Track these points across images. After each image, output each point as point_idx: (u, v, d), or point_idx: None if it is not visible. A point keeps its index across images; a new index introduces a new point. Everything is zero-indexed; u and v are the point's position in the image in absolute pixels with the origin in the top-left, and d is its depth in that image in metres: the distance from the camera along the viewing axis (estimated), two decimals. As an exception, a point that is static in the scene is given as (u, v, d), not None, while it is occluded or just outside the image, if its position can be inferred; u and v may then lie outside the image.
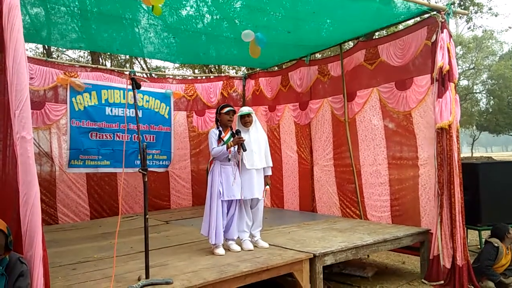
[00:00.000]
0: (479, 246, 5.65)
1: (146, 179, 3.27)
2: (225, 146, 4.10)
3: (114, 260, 3.31)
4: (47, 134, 6.36)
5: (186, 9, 4.78)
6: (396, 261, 5.70)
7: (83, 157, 6.53)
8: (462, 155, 4.74)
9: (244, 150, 4.12)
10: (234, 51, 6.18)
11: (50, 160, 6.38)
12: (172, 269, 3.49)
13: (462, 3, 14.16)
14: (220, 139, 4.18)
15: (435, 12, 4.67)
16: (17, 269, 2.46)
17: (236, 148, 4.16)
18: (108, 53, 14.74)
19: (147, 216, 3.27)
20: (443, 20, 4.59)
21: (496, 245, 4.48)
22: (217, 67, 15.29)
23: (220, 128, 4.24)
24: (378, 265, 5.48)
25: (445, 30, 4.57)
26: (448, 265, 4.47)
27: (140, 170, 3.24)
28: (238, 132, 4.18)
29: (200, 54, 6.62)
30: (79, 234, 5.39)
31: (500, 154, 57.52)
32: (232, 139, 4.16)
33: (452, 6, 4.71)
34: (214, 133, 4.22)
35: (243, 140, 4.11)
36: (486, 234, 5.17)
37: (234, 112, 4.31)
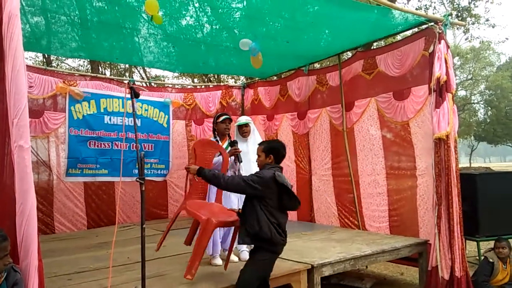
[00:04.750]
0: (477, 258, 5.62)
1: (144, 188, 3.26)
2: (221, 156, 4.09)
3: (110, 271, 3.27)
4: (45, 142, 6.34)
5: (186, 19, 4.81)
6: (394, 272, 5.66)
7: (81, 166, 6.48)
8: (460, 165, 4.72)
9: (240, 161, 4.13)
10: (233, 60, 6.21)
11: (48, 168, 6.34)
12: (169, 279, 3.47)
13: (459, 14, 14.29)
14: (217, 148, 4.18)
15: (432, 23, 4.70)
16: (11, 278, 2.44)
17: (233, 159, 4.16)
18: (108, 62, 14.79)
19: (144, 226, 3.24)
20: (440, 31, 4.62)
21: (491, 260, 4.41)
22: (216, 76, 15.35)
23: (218, 138, 4.24)
24: (376, 276, 5.44)
25: (442, 41, 4.58)
26: (446, 277, 4.43)
27: (138, 180, 3.22)
28: (234, 142, 4.19)
29: (200, 63, 6.65)
30: (76, 244, 5.34)
31: (498, 164, 57.57)
32: (229, 149, 4.16)
33: (450, 17, 4.74)
34: (211, 143, 4.21)
35: (239, 151, 4.11)
36: (484, 245, 5.15)
37: (230, 120, 4.31)
